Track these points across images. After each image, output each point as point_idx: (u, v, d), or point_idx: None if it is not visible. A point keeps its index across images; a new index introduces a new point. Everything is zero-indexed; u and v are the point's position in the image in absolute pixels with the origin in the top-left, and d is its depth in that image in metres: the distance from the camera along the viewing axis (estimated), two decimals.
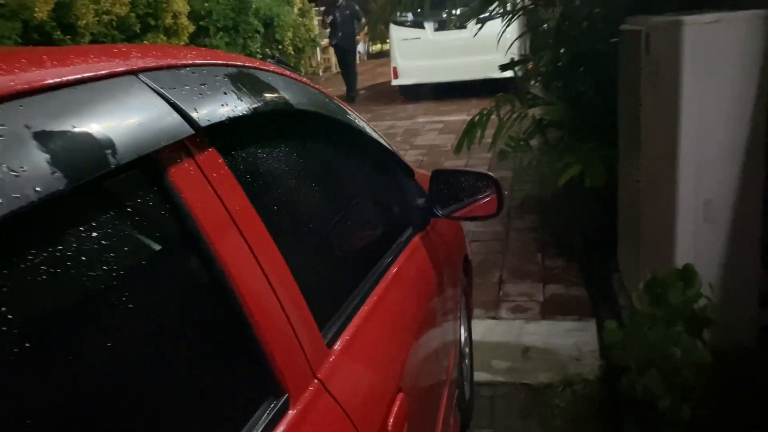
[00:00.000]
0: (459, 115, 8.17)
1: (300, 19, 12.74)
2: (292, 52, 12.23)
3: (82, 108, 0.66)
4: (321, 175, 1.30)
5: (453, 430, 1.89)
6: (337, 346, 1.02)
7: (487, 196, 1.73)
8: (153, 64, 0.83)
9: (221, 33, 10.38)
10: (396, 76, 10.12)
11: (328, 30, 11.38)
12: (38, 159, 0.56)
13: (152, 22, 8.03)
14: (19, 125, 0.57)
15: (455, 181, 1.72)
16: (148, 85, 0.78)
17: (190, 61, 0.93)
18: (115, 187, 0.69)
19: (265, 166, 1.05)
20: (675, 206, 2.37)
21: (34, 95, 0.61)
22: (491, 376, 2.76)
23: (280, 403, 0.82)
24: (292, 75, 1.29)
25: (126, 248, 0.69)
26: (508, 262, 3.87)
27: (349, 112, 1.49)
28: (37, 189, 0.55)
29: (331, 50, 13.32)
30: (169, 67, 0.86)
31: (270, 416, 0.79)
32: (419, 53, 9.74)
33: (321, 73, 14.67)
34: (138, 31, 7.82)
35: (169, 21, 8.11)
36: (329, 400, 0.92)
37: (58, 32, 6.32)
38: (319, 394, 0.90)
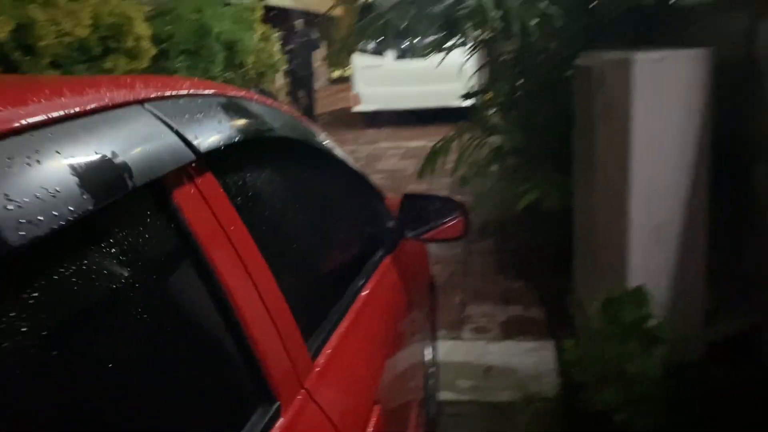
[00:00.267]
0: (420, 141, 8.33)
1: (262, 44, 12.83)
2: (254, 77, 12.29)
3: (101, 135, 0.72)
4: (303, 198, 1.37)
5: None
6: (320, 359, 1.08)
7: (453, 219, 1.83)
8: (155, 93, 0.90)
9: (182, 56, 10.38)
10: (357, 103, 10.29)
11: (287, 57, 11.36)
12: (69, 182, 0.63)
13: (113, 45, 7.97)
14: (51, 151, 0.63)
15: (424, 205, 1.82)
16: (153, 113, 0.85)
17: (187, 92, 1.00)
18: (129, 207, 0.75)
19: (253, 189, 1.11)
20: (627, 230, 2.51)
21: (61, 123, 0.67)
22: (456, 395, 2.84)
23: (272, 410, 0.88)
24: (275, 104, 1.36)
25: (137, 261, 0.75)
26: (469, 284, 3.98)
27: (326, 139, 1.57)
28: (71, 208, 0.61)
29: None
30: (169, 97, 0.93)
31: (264, 422, 0.85)
32: (380, 80, 9.94)
33: (283, 98, 14.73)
34: (99, 53, 7.75)
35: (130, 43, 8.07)
36: (315, 408, 0.98)
37: (18, 53, 6.24)
38: (306, 402, 0.97)
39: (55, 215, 0.58)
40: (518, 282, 3.91)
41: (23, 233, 0.54)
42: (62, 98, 0.72)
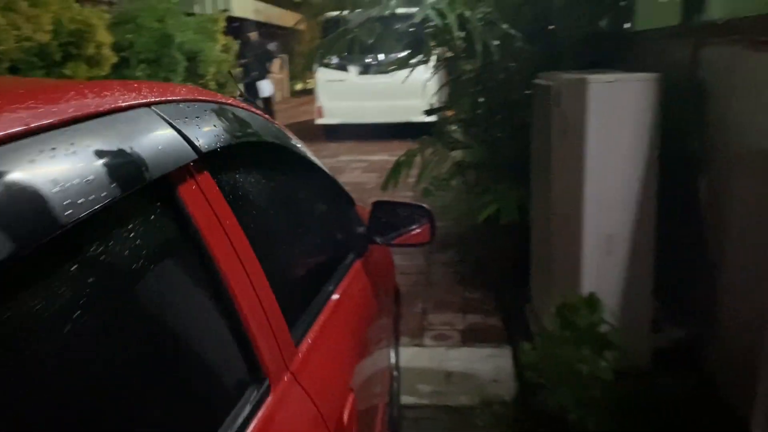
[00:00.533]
0: (382, 155, 8.47)
1: (224, 55, 12.82)
2: (215, 87, 12.25)
3: (121, 133, 0.80)
4: (286, 198, 1.46)
5: None
6: (302, 347, 1.17)
7: (421, 226, 1.93)
8: (160, 98, 0.98)
9: (143, 65, 10.30)
10: (320, 116, 10.39)
11: (240, 70, 10.73)
12: (101, 171, 0.70)
13: (74, 51, 7.89)
14: (84, 144, 0.71)
15: (393, 212, 1.92)
16: (159, 115, 0.93)
17: (184, 97, 1.08)
18: (143, 197, 0.83)
19: (243, 189, 1.20)
20: (581, 241, 2.67)
21: (88, 120, 0.75)
22: (417, 399, 2.93)
23: (263, 387, 0.96)
24: (257, 111, 1.45)
25: (148, 246, 0.83)
26: (430, 294, 4.09)
27: (302, 145, 1.66)
28: (103, 194, 0.69)
29: None
30: (171, 101, 1.01)
31: (257, 397, 0.94)
32: (344, 95, 10.08)
33: None
34: (59, 59, 7.66)
35: (91, 51, 7.99)
36: (300, 390, 1.07)
37: None
38: (292, 383, 1.05)
39: (91, 199, 0.66)
40: (478, 292, 4.04)
41: (69, 212, 0.62)
42: (85, 99, 0.80)
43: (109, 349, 0.73)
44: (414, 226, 1.94)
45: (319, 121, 10.45)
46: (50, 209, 0.61)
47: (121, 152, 0.76)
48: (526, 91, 3.62)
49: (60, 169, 0.65)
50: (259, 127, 1.33)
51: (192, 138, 0.95)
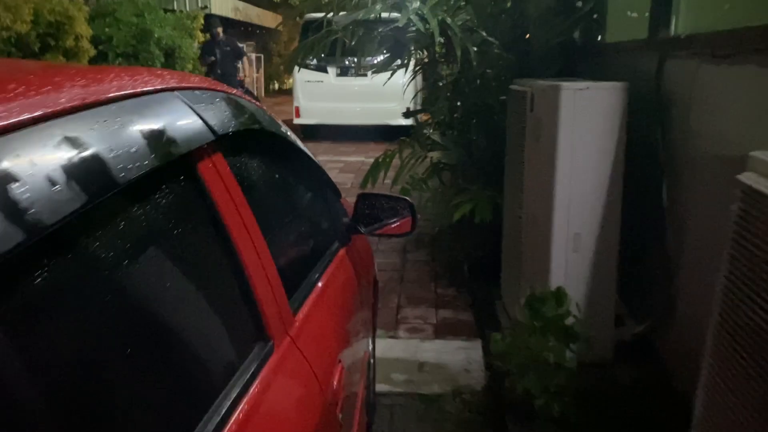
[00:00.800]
0: (358, 156, 8.59)
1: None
2: None
3: (154, 112, 0.91)
4: (283, 182, 1.58)
5: (361, 428, 2.15)
6: (299, 315, 1.28)
7: (403, 218, 2.06)
8: (181, 84, 1.09)
9: (120, 59, 10.27)
10: (297, 116, 10.48)
11: (205, 69, 10.33)
12: (142, 143, 0.82)
13: (52, 43, 7.87)
14: (114, 121, 0.81)
15: (377, 204, 2.04)
16: (182, 100, 1.04)
17: (199, 85, 1.19)
18: (171, 170, 0.94)
19: (249, 171, 1.32)
20: (550, 238, 2.82)
21: (127, 100, 0.86)
22: (391, 387, 3.06)
23: (268, 346, 1.08)
24: (257, 102, 1.57)
25: (175, 212, 0.94)
26: (405, 290, 4.22)
27: (295, 136, 1.78)
28: (146, 162, 0.80)
29: None
30: (189, 88, 1.12)
31: (262, 355, 1.05)
32: (321, 96, 10.18)
33: None
34: (37, 50, 7.64)
35: (70, 43, 7.97)
36: (298, 353, 1.18)
37: None
38: (291, 346, 1.17)
39: (138, 165, 0.78)
40: (450, 288, 4.19)
41: (123, 175, 0.73)
42: (123, 81, 0.91)
43: (143, 295, 0.84)
44: (396, 218, 2.07)
45: (297, 121, 10.54)
46: (109, 170, 0.72)
47: (156, 129, 0.87)
48: (502, 97, 3.79)
49: (113, 138, 0.76)
50: (261, 116, 1.44)
51: (210, 121, 1.07)
